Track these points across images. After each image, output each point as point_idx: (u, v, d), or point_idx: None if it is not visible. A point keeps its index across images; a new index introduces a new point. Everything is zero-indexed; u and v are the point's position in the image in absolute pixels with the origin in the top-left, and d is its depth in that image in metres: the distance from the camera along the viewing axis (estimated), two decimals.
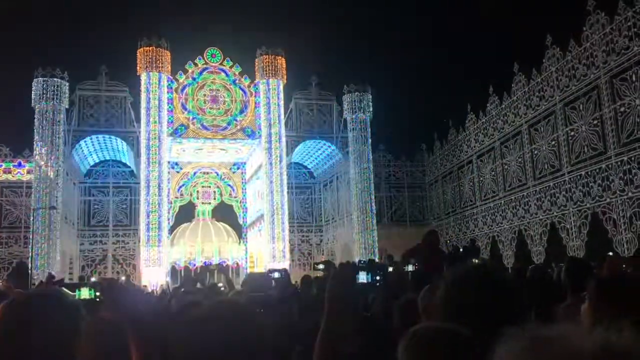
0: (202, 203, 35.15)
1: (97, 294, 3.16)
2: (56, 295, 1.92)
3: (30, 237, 26.42)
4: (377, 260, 26.74)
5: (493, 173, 26.44)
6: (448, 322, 1.87)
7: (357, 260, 22.85)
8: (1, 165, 29.26)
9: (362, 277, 2.48)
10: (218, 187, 35.34)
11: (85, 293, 3.21)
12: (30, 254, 26.14)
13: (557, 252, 20.96)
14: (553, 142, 21.64)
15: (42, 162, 26.64)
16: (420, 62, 58.14)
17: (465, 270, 2.14)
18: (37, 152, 26.83)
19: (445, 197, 32.02)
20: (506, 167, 25.22)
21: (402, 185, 34.17)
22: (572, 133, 20.49)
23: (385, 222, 32.95)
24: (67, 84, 27.78)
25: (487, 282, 2.03)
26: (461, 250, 12.94)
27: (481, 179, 27.64)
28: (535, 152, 22.88)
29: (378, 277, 2.53)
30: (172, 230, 32.28)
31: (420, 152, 34.79)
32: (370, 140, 31.21)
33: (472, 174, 28.50)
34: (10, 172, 29.38)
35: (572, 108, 20.42)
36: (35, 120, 27.04)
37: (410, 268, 5.94)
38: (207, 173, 35.15)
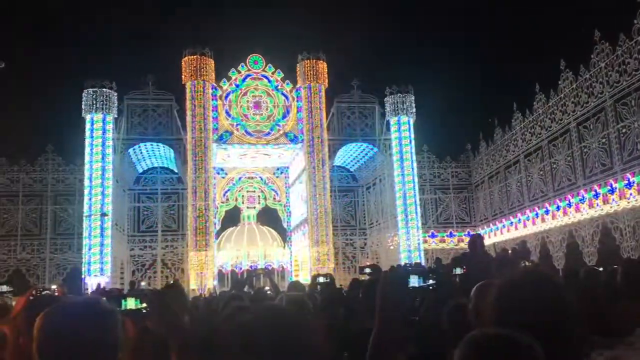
0: (247, 207, 35.58)
1: (144, 304, 3.19)
2: (93, 303, 1.94)
3: (83, 243, 27.28)
4: (422, 263, 26.47)
5: (541, 173, 25.81)
6: (501, 327, 1.83)
7: (402, 263, 22.67)
8: (54, 174, 30.34)
9: (414, 281, 2.44)
10: (262, 191, 35.70)
11: (131, 303, 3.24)
12: (83, 259, 26.99)
13: (610, 253, 20.29)
14: (604, 140, 20.98)
15: (93, 171, 27.47)
16: (464, 60, 57.33)
17: (518, 275, 2.09)
18: (88, 161, 27.68)
19: (492, 199, 31.43)
20: (555, 166, 24.58)
21: (448, 187, 33.68)
22: (624, 130, 19.81)
23: (430, 225, 32.57)
24: (116, 94, 28.59)
25: (541, 287, 1.98)
26: (510, 252, 12.66)
27: (529, 179, 27.01)
28: (585, 150, 22.23)
29: (431, 281, 2.48)
30: (218, 234, 32.77)
31: (465, 153, 34.25)
32: (413, 142, 30.94)
33: (520, 174, 27.89)
34: (63, 181, 30.42)
35: (624, 104, 19.74)
36: (86, 129, 27.94)
37: (457, 271, 5.84)
38: (252, 178, 35.55)
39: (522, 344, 1.58)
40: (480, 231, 29.56)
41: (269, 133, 30.60)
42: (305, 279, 27.96)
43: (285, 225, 35.38)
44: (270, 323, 1.81)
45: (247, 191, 35.51)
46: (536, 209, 26.15)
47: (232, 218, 36.05)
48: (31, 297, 3.39)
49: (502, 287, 2.04)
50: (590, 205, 21.82)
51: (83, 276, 26.55)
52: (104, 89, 28.12)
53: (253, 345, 1.82)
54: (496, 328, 1.73)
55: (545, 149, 25.19)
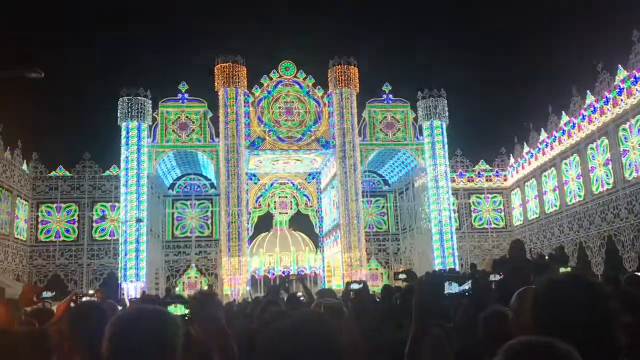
0: (279, 213, 35.73)
1: (187, 311, 3.23)
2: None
3: (119, 249, 27.80)
4: (457, 269, 26.16)
5: (578, 176, 25.26)
6: (540, 333, 1.80)
7: (436, 269, 22.46)
8: (91, 181, 31.01)
9: (450, 287, 2.41)
10: (294, 197, 35.81)
11: (179, 310, 3.28)
12: (119, 265, 27.49)
13: None
14: None
15: (129, 178, 28.02)
16: (498, 63, 56.60)
17: (557, 279, 2.05)
18: (124, 168, 28.26)
19: (527, 203, 30.90)
20: (592, 169, 24.03)
21: (482, 191, 33.25)
22: None
23: (464, 230, 32.17)
24: (150, 102, 29.13)
25: (581, 291, 1.94)
26: (546, 257, 12.43)
27: (566, 182, 26.46)
28: (625, 152, 21.67)
29: (467, 287, 2.45)
30: (251, 240, 32.98)
31: (500, 156, 33.77)
32: (446, 146, 30.62)
33: (556, 177, 27.35)
34: (99, 188, 31.06)
35: None
36: (122, 137, 28.53)
37: (494, 278, 5.76)
38: (284, 183, 35.72)
39: (561, 353, 1.55)
40: (516, 236, 29.06)
41: (300, 139, 30.71)
42: (337, 284, 27.93)
43: (317, 230, 35.41)
44: (309, 330, 1.82)
45: (279, 197, 35.68)
46: (573, 213, 25.60)
47: (264, 224, 36.27)
48: (72, 303, 3.46)
49: (541, 292, 2.00)
50: (630, 210, 21.26)
51: (119, 281, 27.05)
52: (139, 97, 28.68)
53: (292, 352, 1.83)
54: (535, 336, 1.70)
55: (583, 152, 24.66)
